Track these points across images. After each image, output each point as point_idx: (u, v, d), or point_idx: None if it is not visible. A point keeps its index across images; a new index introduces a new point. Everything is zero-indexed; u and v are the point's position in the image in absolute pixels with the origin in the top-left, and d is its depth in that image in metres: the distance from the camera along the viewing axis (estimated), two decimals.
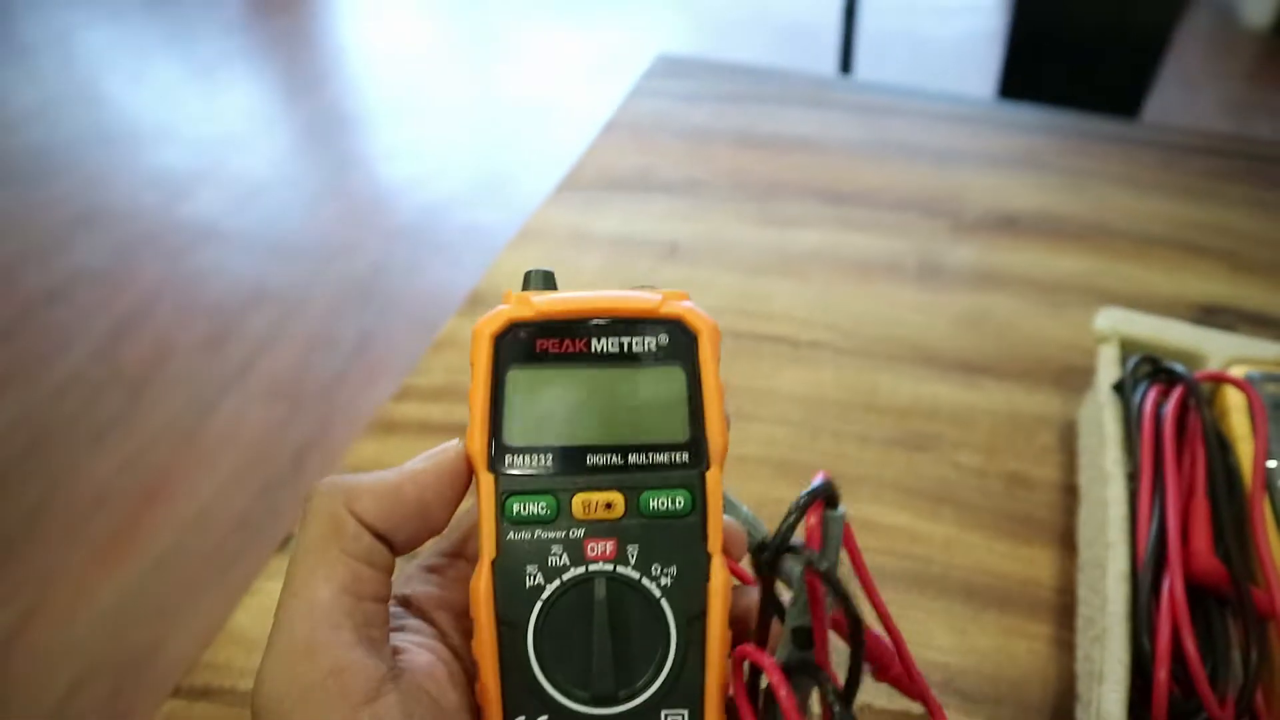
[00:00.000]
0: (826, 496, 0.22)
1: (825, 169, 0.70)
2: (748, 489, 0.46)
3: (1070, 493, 0.46)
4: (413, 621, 0.24)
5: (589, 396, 0.23)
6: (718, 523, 0.23)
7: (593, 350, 0.23)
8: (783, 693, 0.20)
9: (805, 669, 0.21)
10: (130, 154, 2.11)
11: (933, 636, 0.40)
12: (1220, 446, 0.40)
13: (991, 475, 0.47)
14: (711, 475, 0.23)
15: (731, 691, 0.23)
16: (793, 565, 0.23)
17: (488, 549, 0.22)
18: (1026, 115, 0.77)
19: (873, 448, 0.48)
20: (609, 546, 0.22)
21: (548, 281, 0.25)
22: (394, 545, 0.23)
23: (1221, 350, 0.46)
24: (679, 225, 0.64)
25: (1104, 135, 0.75)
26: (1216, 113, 2.29)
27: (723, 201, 0.66)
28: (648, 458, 0.23)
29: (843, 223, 0.64)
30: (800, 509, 0.21)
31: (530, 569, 0.22)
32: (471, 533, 0.25)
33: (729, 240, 0.63)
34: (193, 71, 2.45)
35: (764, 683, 0.22)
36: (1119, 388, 0.44)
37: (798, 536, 0.23)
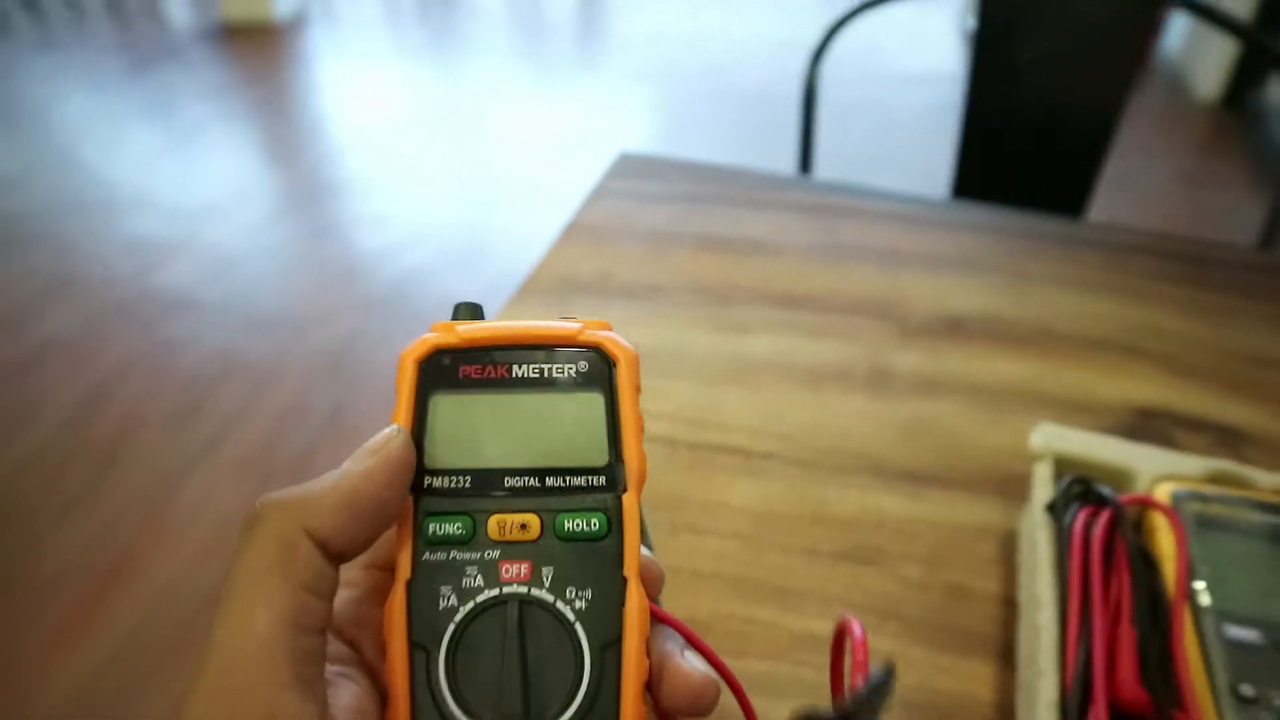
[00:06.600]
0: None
1: (780, 272, 0.72)
2: (700, 604, 0.47)
3: (1010, 605, 0.48)
4: (335, 646, 0.23)
5: (509, 421, 0.24)
6: (634, 547, 0.23)
7: (514, 376, 0.24)
8: None
9: None
10: (106, 222, 2.13)
11: None
12: (1146, 570, 0.42)
13: (934, 588, 0.49)
14: (628, 499, 0.23)
15: None
16: None
17: (403, 570, 0.22)
18: (973, 215, 0.81)
19: (820, 562, 0.50)
20: (524, 569, 0.22)
21: (475, 313, 0.26)
22: (348, 555, 0.22)
23: (1150, 467, 0.48)
24: (638, 332, 0.66)
25: (1048, 235, 0.78)
26: (1170, 181, 2.37)
27: (680, 307, 0.68)
28: (565, 480, 0.23)
29: (794, 328, 0.66)
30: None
31: (445, 590, 0.22)
32: (386, 540, 0.25)
33: (685, 348, 0.65)
34: (171, 140, 2.48)
35: None
36: (1051, 508, 0.45)
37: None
